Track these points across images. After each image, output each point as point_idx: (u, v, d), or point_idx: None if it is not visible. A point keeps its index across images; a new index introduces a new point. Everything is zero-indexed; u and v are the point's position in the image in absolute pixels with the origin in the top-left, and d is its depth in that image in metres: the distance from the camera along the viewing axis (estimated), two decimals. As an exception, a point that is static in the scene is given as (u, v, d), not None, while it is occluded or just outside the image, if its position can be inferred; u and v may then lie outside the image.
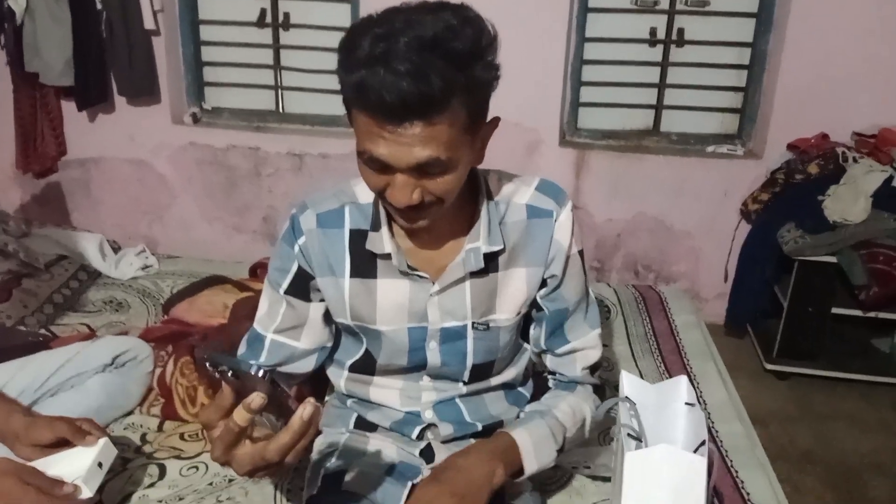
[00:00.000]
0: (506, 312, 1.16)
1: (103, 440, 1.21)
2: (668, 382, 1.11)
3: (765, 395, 2.67)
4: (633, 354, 1.81)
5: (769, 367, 2.79)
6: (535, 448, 1.11)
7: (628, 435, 0.99)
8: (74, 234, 2.29)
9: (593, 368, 1.23)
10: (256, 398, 0.84)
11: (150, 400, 1.58)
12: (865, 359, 2.76)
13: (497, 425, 1.23)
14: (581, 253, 1.17)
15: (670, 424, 1.06)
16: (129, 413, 1.56)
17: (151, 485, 1.35)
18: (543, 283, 1.16)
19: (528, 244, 1.13)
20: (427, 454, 1.21)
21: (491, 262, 1.11)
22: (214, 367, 0.86)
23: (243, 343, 1.22)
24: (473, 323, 1.14)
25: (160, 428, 1.53)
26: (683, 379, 1.10)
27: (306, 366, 1.21)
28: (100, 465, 1.19)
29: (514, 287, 1.14)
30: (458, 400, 1.22)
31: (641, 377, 1.71)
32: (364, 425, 1.24)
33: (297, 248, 1.13)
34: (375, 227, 1.09)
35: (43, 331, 1.88)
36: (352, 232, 1.11)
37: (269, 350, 1.19)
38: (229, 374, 0.85)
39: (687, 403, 1.06)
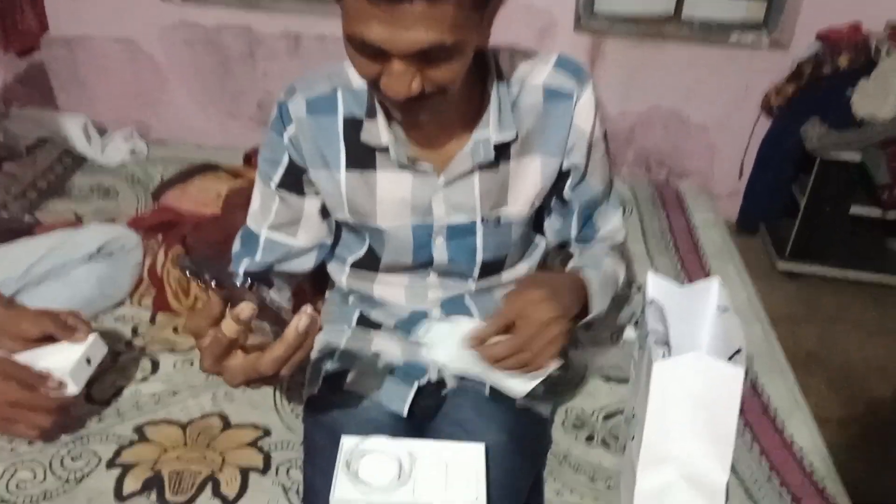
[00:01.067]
0: (518, 205, 1.06)
1: (93, 336, 1.15)
2: (699, 285, 1.03)
3: (774, 295, 2.61)
4: (648, 253, 1.72)
5: (781, 266, 2.73)
6: (600, 289, 1.06)
7: (655, 342, 0.91)
8: (57, 116, 2.15)
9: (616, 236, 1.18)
10: (245, 308, 0.75)
11: (141, 291, 1.50)
12: (880, 260, 2.70)
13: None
14: (605, 135, 1.06)
15: (701, 330, 0.98)
16: (120, 304, 1.48)
17: (144, 379, 1.29)
18: (562, 174, 1.05)
19: (545, 130, 1.01)
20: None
21: (502, 151, 1.00)
22: (196, 277, 0.77)
23: (237, 240, 1.13)
24: (483, 218, 1.04)
25: (152, 320, 1.46)
26: (715, 281, 1.02)
27: (305, 264, 1.12)
28: (88, 361, 1.12)
29: (528, 178, 1.04)
30: (466, 297, 1.14)
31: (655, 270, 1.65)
32: (367, 323, 1.16)
33: (286, 138, 1.01)
34: (370, 114, 0.97)
35: (27, 217, 1.78)
36: (346, 120, 0.99)
37: (264, 248, 1.10)
38: (213, 284, 0.76)
39: (720, 307, 0.98)
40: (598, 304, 1.05)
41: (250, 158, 1.99)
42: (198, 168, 1.87)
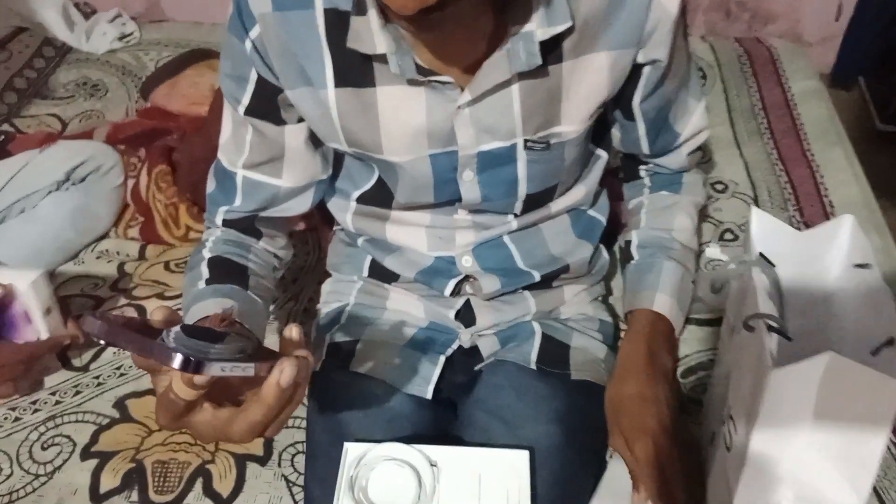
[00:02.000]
0: (575, 121, 0.76)
1: (32, 277, 0.94)
2: (822, 229, 0.74)
3: (876, 160, 2.24)
4: (735, 138, 1.40)
5: (882, 127, 2.34)
6: (678, 303, 0.88)
7: (769, 329, 0.64)
8: (32, -1, 1.86)
9: (699, 148, 0.91)
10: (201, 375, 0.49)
11: (127, 219, 1.28)
12: None
13: (561, 271, 0.89)
14: (684, 8, 0.74)
15: (830, 302, 0.70)
16: (103, 237, 1.27)
17: (129, 334, 1.09)
18: (636, 70, 0.75)
19: (613, 14, 0.70)
20: (466, 316, 0.89)
21: (551, 49, 0.69)
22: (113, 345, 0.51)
23: (211, 179, 0.87)
24: (527, 141, 0.76)
25: (141, 255, 1.25)
26: (847, 222, 0.73)
27: (299, 206, 0.86)
28: (48, 310, 0.96)
29: (590, 83, 0.74)
30: (506, 238, 0.87)
31: (746, 168, 1.33)
32: (381, 273, 0.91)
33: (248, 45, 0.72)
34: (360, 9, 0.67)
35: (5, 127, 1.56)
36: (328, 14, 0.69)
37: (243, 191, 0.83)
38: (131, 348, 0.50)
39: (857, 266, 0.70)
40: (681, 320, 0.91)
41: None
42: (188, 57, 1.59)
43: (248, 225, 0.86)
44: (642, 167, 0.94)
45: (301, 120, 0.79)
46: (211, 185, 0.87)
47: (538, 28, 0.67)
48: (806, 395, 0.62)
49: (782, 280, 0.71)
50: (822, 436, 0.64)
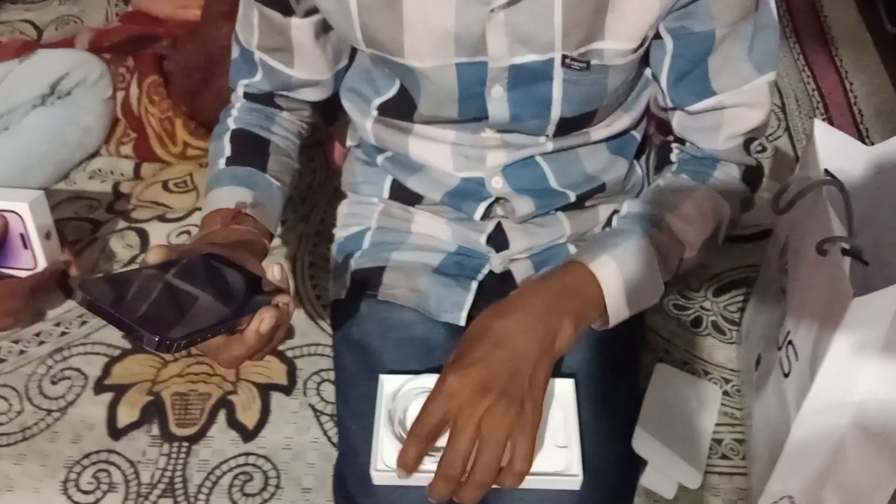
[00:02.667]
0: (622, 39, 0.67)
1: (23, 204, 0.88)
2: (891, 143, 0.69)
3: (887, 62, 2.18)
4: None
5: (892, 29, 2.26)
6: (627, 290, 0.66)
7: (843, 252, 0.60)
8: None
9: (748, 140, 0.75)
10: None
11: (119, 135, 1.20)
12: None
13: (597, 190, 0.83)
14: None
15: (893, 222, 0.66)
16: (94, 155, 1.19)
17: (132, 259, 1.04)
18: None
19: None
20: (498, 239, 0.83)
21: None
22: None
23: (234, 43, 0.80)
24: (565, 57, 0.68)
25: (136, 174, 1.17)
26: (920, 135, 0.68)
27: (318, 94, 0.81)
28: (48, 235, 0.90)
29: None
30: (539, 158, 0.81)
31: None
32: (403, 195, 0.85)
33: None
34: None
35: (-26, 35, 1.44)
36: None
37: (262, 70, 0.79)
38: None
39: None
40: (623, 311, 0.67)
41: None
42: (171, -45, 1.46)
43: (268, 100, 0.82)
44: (675, 146, 0.80)
45: (309, 14, 0.71)
46: (234, 52, 0.81)
47: None
48: (880, 322, 0.59)
49: (851, 196, 0.66)
50: (892, 363, 0.61)
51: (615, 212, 0.79)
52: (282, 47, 0.76)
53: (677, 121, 0.77)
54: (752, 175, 0.77)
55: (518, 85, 0.71)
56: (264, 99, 0.82)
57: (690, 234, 0.71)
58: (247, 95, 0.82)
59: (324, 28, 0.73)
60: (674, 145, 0.79)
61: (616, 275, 0.66)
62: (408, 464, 0.60)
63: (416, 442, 0.59)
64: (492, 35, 0.66)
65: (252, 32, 0.76)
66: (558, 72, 0.69)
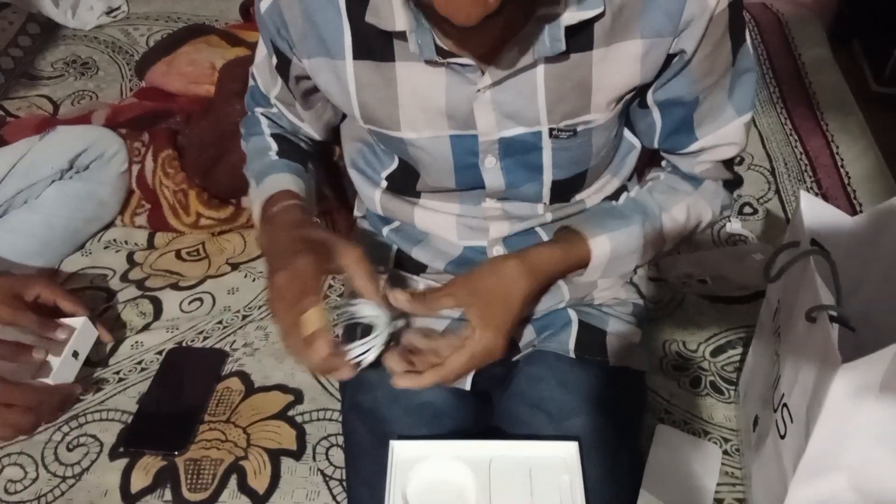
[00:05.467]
0: (604, 109, 0.73)
1: (81, 321, 0.94)
2: (874, 212, 0.73)
3: (872, 122, 2.24)
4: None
5: (877, 88, 2.33)
6: (609, 262, 0.80)
7: (831, 320, 0.63)
8: (14, -29, 1.77)
9: (727, 162, 0.83)
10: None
11: (133, 206, 1.24)
12: None
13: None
14: (739, 5, 0.70)
15: (878, 282, 0.69)
16: (109, 226, 1.23)
17: (145, 327, 1.07)
18: (667, 62, 0.72)
19: (650, 0, 0.67)
20: (500, 307, 0.87)
21: (582, 35, 0.66)
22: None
23: (252, 77, 0.88)
24: (552, 129, 0.73)
25: (150, 243, 1.21)
26: (900, 204, 0.72)
27: (329, 135, 0.92)
28: (75, 354, 0.92)
29: (622, 72, 0.70)
30: (539, 231, 0.85)
31: (762, 140, 1.32)
32: (408, 265, 0.89)
33: (263, 9, 0.72)
34: None
35: (-6, 109, 1.50)
36: None
37: (277, 112, 0.88)
38: None
39: (912, 251, 0.69)
40: (594, 274, 0.81)
41: (248, 10, 1.63)
42: (185, 33, 1.52)
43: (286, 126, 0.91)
44: (663, 162, 0.88)
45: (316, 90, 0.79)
46: (251, 82, 0.88)
47: (566, 12, 0.64)
48: (870, 385, 0.61)
49: (837, 263, 0.69)
50: (883, 424, 0.63)
51: (625, 189, 0.87)
52: (293, 103, 0.85)
53: (664, 155, 0.85)
54: (730, 185, 0.86)
55: (509, 154, 0.75)
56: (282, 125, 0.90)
57: (674, 233, 0.82)
58: (264, 116, 0.89)
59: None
60: (663, 163, 0.86)
61: (606, 254, 0.78)
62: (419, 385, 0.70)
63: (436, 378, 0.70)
64: (479, 112, 0.71)
65: (274, 85, 0.84)
66: (546, 142, 0.74)
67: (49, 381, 0.89)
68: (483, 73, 0.68)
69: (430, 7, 0.55)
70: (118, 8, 1.78)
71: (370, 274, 0.69)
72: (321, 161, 0.94)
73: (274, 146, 0.86)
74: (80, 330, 0.93)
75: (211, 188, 1.19)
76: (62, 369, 0.91)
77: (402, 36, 0.66)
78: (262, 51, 0.82)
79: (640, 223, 0.79)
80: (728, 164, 0.83)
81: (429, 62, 0.68)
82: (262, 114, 0.89)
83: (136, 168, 1.23)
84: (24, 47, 1.66)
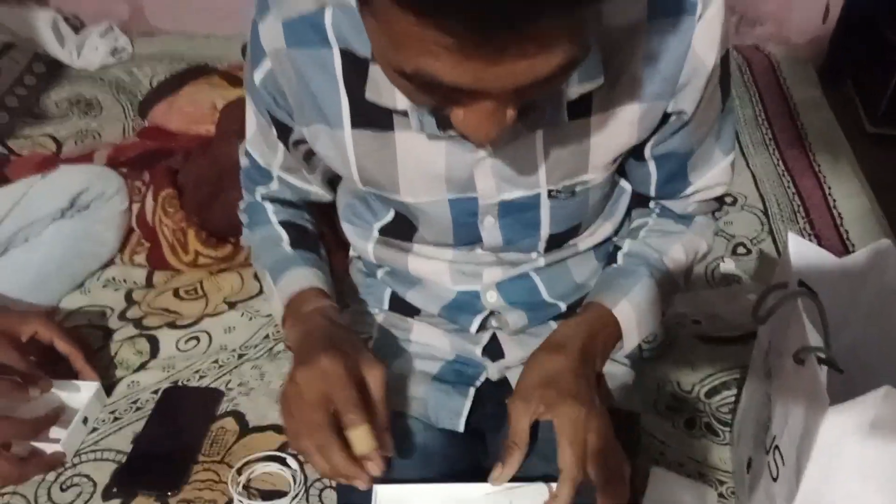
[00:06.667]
0: (601, 170, 0.74)
1: (94, 387, 0.96)
2: (862, 254, 0.74)
3: (866, 162, 2.26)
4: (741, 148, 1.40)
5: (871, 129, 2.36)
6: (639, 324, 0.78)
7: (819, 362, 0.63)
8: (19, 12, 1.80)
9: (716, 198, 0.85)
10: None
11: (133, 245, 1.25)
12: None
13: (586, 297, 0.88)
14: (727, 54, 0.72)
15: (866, 323, 0.70)
16: (109, 263, 1.24)
17: (142, 366, 1.07)
18: (664, 120, 0.73)
19: (647, 66, 0.67)
20: (493, 350, 0.87)
21: (580, 103, 0.67)
22: None
23: (244, 156, 0.86)
24: (551, 191, 0.74)
25: (149, 281, 1.22)
26: (886, 246, 0.73)
27: (331, 196, 0.90)
28: (85, 420, 0.94)
29: (619, 134, 0.71)
30: (532, 275, 0.86)
31: (755, 180, 1.34)
32: (402, 307, 0.90)
33: (258, 80, 0.71)
34: None
35: (-2, 148, 1.52)
36: (344, 56, 0.67)
37: (279, 183, 0.85)
38: None
39: (900, 294, 0.70)
40: (634, 340, 0.79)
41: (250, 52, 1.66)
42: (186, 74, 1.56)
43: (289, 203, 0.89)
44: (652, 202, 0.88)
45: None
46: (244, 163, 0.86)
47: (568, 87, 0.65)
48: (860, 427, 0.62)
49: (825, 305, 0.70)
50: (873, 465, 0.64)
51: (615, 247, 0.86)
52: (300, 167, 0.82)
53: (656, 200, 0.85)
54: (717, 211, 0.87)
55: (508, 214, 0.76)
56: (284, 202, 0.88)
57: (679, 273, 0.82)
58: (266, 198, 0.88)
59: None
60: (650, 202, 0.86)
61: (631, 316, 0.77)
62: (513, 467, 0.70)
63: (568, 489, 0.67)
64: (480, 177, 0.72)
65: (275, 155, 0.81)
66: (545, 202, 0.75)
67: (60, 447, 0.90)
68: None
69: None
70: (122, 49, 1.81)
71: (384, 401, 0.68)
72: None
73: (285, 236, 0.84)
74: (92, 397, 0.95)
75: (208, 225, 1.20)
76: (71, 436, 0.92)
77: (402, 112, 0.67)
78: (252, 126, 0.80)
79: (648, 274, 0.80)
80: (716, 199, 0.85)
81: (429, 135, 0.69)
82: (264, 197, 0.88)
83: (136, 207, 1.25)
84: (28, 86, 1.69)
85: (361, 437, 0.63)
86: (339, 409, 0.64)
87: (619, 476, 0.68)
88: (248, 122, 0.81)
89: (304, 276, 0.80)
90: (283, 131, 0.76)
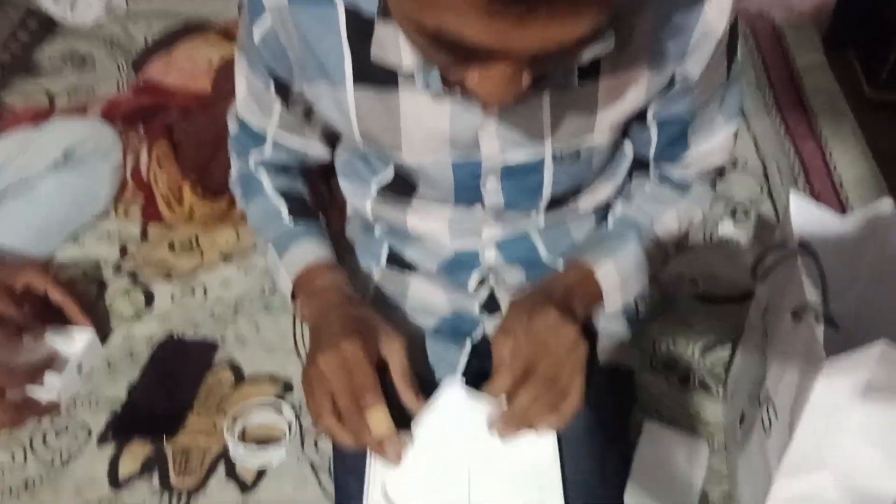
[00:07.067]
0: (606, 133, 0.74)
1: (88, 336, 0.95)
2: (863, 213, 0.73)
3: (866, 127, 2.25)
4: (743, 112, 1.39)
5: (871, 94, 2.34)
6: (622, 286, 0.77)
7: (816, 318, 0.63)
8: (13, -34, 1.78)
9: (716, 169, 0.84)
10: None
11: (127, 199, 1.24)
12: None
13: (582, 256, 0.87)
14: (736, 21, 0.71)
15: (878, 289, 0.70)
16: (103, 217, 1.23)
17: (136, 316, 1.07)
18: (669, 84, 0.71)
19: (658, 31, 0.66)
20: (490, 306, 0.87)
21: (589, 66, 0.66)
22: None
23: (233, 121, 0.84)
24: (555, 154, 0.73)
25: (143, 236, 1.21)
26: (888, 206, 0.72)
27: (329, 157, 0.87)
28: (79, 368, 0.94)
29: (627, 97, 0.70)
30: (533, 235, 0.85)
31: (755, 144, 1.33)
32: (400, 263, 0.89)
33: (258, 36, 0.68)
34: (386, 14, 0.63)
35: (-8, 102, 1.50)
36: (349, 14, 0.66)
37: (274, 147, 0.83)
38: None
39: (899, 248, 0.70)
40: (616, 304, 0.78)
41: (247, 8, 1.63)
42: (182, 30, 1.53)
43: (283, 168, 0.87)
44: (651, 167, 0.87)
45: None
46: (234, 129, 0.84)
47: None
48: (855, 383, 0.62)
49: (824, 264, 0.70)
50: (869, 423, 0.64)
51: (608, 208, 0.86)
52: (301, 124, 0.80)
53: (654, 164, 0.84)
54: (716, 181, 0.86)
55: (511, 177, 0.75)
56: (279, 167, 0.86)
57: (669, 241, 0.81)
58: (260, 164, 0.85)
59: None
60: (651, 169, 0.85)
61: (614, 278, 0.76)
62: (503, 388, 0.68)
63: (507, 377, 0.67)
64: (484, 140, 0.71)
65: (269, 117, 0.79)
66: (549, 165, 0.74)
67: (54, 394, 0.90)
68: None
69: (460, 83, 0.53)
70: (117, 6, 1.78)
71: (407, 373, 0.69)
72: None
73: (284, 207, 0.83)
74: (87, 345, 0.94)
75: (207, 184, 1.19)
76: (66, 383, 0.92)
77: (407, 71, 0.65)
78: (242, 88, 0.78)
79: (637, 239, 0.79)
80: (716, 167, 0.84)
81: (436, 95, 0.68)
82: (258, 163, 0.86)
83: (130, 161, 1.24)
84: (22, 42, 1.67)
85: (379, 420, 0.64)
86: (357, 393, 0.65)
87: (562, 396, 0.67)
88: (239, 85, 0.79)
89: (311, 251, 0.79)
90: (283, 88, 0.74)
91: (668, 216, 0.82)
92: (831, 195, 1.22)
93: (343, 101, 0.70)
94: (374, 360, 0.67)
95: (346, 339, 0.66)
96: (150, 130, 1.24)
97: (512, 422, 0.67)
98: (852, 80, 2.43)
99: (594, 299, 0.77)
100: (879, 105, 2.35)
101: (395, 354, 0.69)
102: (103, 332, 1.03)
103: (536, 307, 0.69)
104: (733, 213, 1.21)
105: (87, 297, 1.08)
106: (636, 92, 0.69)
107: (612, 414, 0.82)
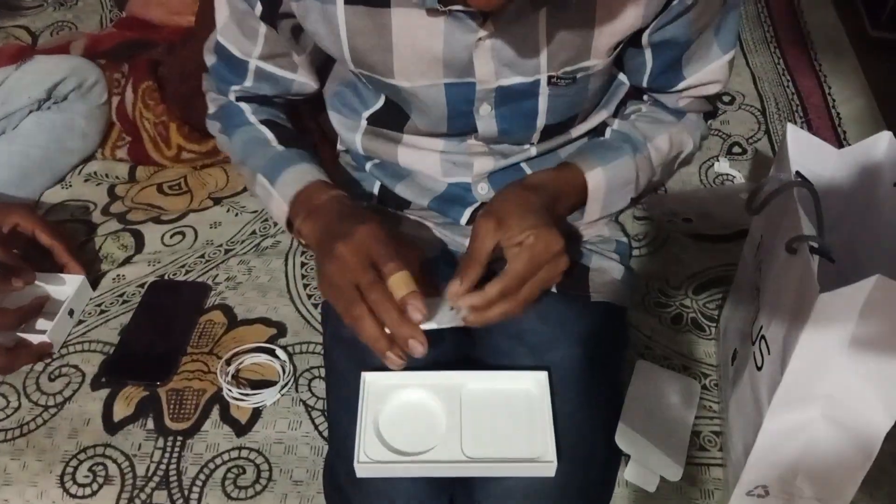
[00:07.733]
0: (603, 55, 0.72)
1: (79, 280, 0.95)
2: (861, 146, 0.72)
3: (868, 66, 2.21)
4: (742, 47, 1.36)
5: (874, 33, 2.30)
6: (606, 193, 0.78)
7: (811, 251, 0.62)
8: None
9: (709, 97, 0.83)
10: None
11: (114, 139, 1.22)
12: None
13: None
14: None
15: (874, 223, 0.69)
16: (90, 159, 1.21)
17: (127, 260, 1.06)
18: (666, 5, 0.69)
19: None
20: (483, 240, 0.86)
21: None
22: None
23: (211, 53, 0.82)
24: (551, 77, 0.71)
25: (131, 176, 1.19)
26: (886, 139, 0.71)
27: (316, 86, 0.84)
28: (70, 312, 0.93)
29: (624, 15, 0.68)
30: (524, 165, 0.84)
31: (754, 79, 1.30)
32: (392, 200, 0.88)
33: None
34: None
35: (-30, 40, 1.46)
36: None
37: (255, 77, 0.81)
38: None
39: (896, 184, 0.68)
40: (595, 213, 0.78)
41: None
42: (165, -38, 1.48)
43: (266, 100, 0.85)
44: (645, 95, 0.88)
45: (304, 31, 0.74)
46: (211, 60, 0.82)
47: None
48: (848, 316, 0.61)
49: (821, 197, 0.69)
50: (860, 356, 0.64)
51: (604, 124, 0.85)
52: (284, 53, 0.78)
53: (649, 92, 0.84)
54: (709, 116, 0.87)
55: (505, 102, 0.74)
56: (261, 100, 0.84)
57: (659, 162, 0.81)
58: (241, 97, 0.84)
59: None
60: (644, 97, 0.86)
61: (601, 185, 0.76)
62: (471, 281, 0.67)
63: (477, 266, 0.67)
64: (479, 60, 0.69)
65: (254, 44, 0.77)
66: (544, 89, 0.73)
67: (46, 338, 0.90)
68: (485, 20, 0.66)
69: None
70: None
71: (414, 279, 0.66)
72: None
73: (271, 135, 0.81)
74: (77, 289, 0.93)
75: (191, 119, 1.16)
76: (57, 327, 0.92)
77: None
78: (223, 13, 0.76)
79: (631, 153, 0.79)
80: (710, 98, 0.83)
81: (430, 10, 0.65)
82: (238, 97, 0.84)
83: (115, 100, 1.21)
84: (0, -23, 1.61)
85: (400, 283, 0.62)
86: (378, 263, 0.63)
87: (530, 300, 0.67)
88: (219, 9, 0.76)
89: (307, 171, 0.77)
90: (271, 5, 0.72)
91: (662, 137, 0.82)
92: (829, 131, 1.21)
93: (333, 19, 0.68)
94: (393, 245, 0.65)
95: (363, 224, 0.64)
96: (134, 68, 1.21)
97: (479, 311, 0.67)
98: (855, 19, 2.38)
99: (578, 205, 0.78)
100: (882, 44, 2.32)
101: (411, 266, 0.66)
102: (93, 276, 1.03)
103: (528, 206, 0.68)
104: (730, 150, 1.19)
105: (76, 240, 1.07)
106: (633, 11, 0.68)
107: (603, 351, 0.82)
